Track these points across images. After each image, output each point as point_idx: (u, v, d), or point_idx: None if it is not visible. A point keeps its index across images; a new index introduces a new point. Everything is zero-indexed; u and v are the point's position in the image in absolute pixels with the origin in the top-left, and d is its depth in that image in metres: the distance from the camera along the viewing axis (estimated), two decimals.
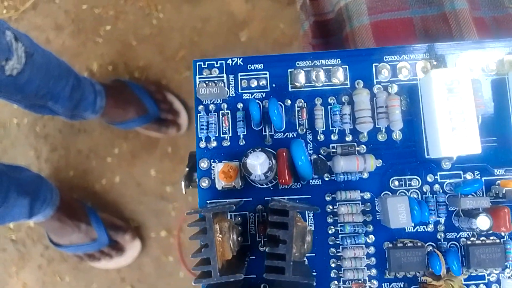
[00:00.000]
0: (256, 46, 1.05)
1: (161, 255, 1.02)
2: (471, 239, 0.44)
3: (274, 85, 0.47)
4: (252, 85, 0.47)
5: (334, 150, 0.46)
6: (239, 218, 0.46)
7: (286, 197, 0.45)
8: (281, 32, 1.05)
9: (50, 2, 1.08)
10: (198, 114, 0.47)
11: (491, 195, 0.44)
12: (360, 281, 0.45)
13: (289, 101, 0.47)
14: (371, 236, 0.45)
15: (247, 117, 0.46)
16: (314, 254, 0.45)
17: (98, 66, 1.06)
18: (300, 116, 0.46)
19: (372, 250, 0.45)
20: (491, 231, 0.44)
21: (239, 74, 0.47)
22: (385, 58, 0.46)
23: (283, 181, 0.43)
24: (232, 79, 0.47)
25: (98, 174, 1.04)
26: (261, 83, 0.47)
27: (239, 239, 0.40)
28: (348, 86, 0.47)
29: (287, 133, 0.46)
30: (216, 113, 0.47)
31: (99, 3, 1.07)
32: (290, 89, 0.47)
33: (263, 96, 0.47)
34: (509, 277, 0.44)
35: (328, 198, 0.46)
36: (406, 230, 0.45)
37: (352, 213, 0.45)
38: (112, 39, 1.07)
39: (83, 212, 0.91)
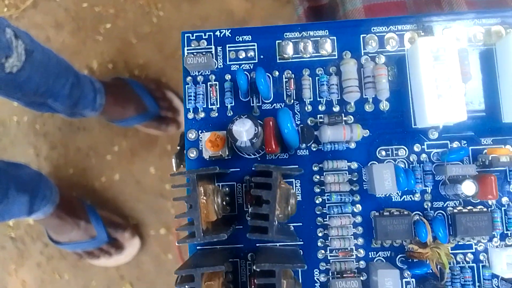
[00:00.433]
0: None
1: (160, 253, 1.01)
2: (458, 208, 0.44)
3: (262, 57, 0.47)
4: (240, 57, 0.47)
5: (321, 120, 0.46)
6: (227, 189, 0.46)
7: None
8: None
9: (50, 0, 1.09)
10: (186, 86, 0.47)
11: (478, 164, 0.44)
12: (346, 250, 0.44)
13: (277, 73, 0.47)
14: (358, 206, 0.45)
15: (235, 88, 0.47)
16: (301, 224, 0.45)
17: (98, 64, 1.07)
18: (287, 87, 0.47)
19: (359, 219, 0.45)
20: (478, 200, 0.44)
21: (227, 45, 0.47)
22: (373, 29, 0.47)
23: (270, 149, 0.43)
24: (220, 51, 0.47)
25: (97, 171, 1.04)
26: (249, 55, 0.47)
27: (224, 203, 0.41)
28: (336, 57, 0.47)
29: (274, 104, 0.47)
30: (204, 84, 0.47)
31: (99, 2, 1.08)
32: (278, 61, 0.47)
33: (251, 67, 0.47)
34: (496, 247, 0.44)
35: (315, 168, 0.46)
36: (393, 200, 0.45)
37: (339, 182, 0.45)
38: (112, 37, 1.07)
39: (82, 210, 0.91)
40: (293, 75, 0.47)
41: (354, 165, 0.46)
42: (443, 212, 0.45)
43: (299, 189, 0.46)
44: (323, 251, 0.45)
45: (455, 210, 0.44)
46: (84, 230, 0.89)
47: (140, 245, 0.99)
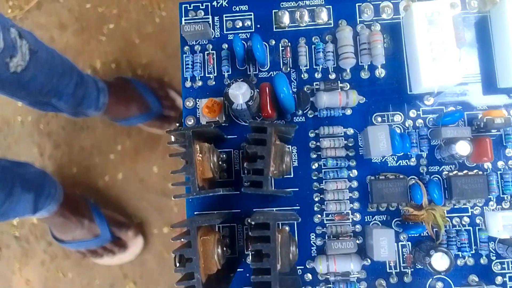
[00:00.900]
0: None
1: (164, 251, 1.01)
2: (454, 172, 0.44)
3: (258, 26, 0.48)
4: (237, 26, 0.48)
5: (317, 87, 0.46)
6: (224, 155, 0.46)
7: None
8: None
9: (54, 2, 1.10)
10: (184, 55, 0.48)
11: (473, 129, 0.44)
12: (342, 214, 0.45)
13: (273, 41, 0.48)
14: (354, 171, 0.45)
15: (232, 56, 0.47)
16: (297, 189, 0.46)
17: (102, 64, 1.07)
18: (284, 55, 0.47)
19: (355, 184, 0.45)
20: (474, 164, 0.44)
21: (224, 15, 0.48)
22: None
23: (266, 114, 0.44)
24: (217, 21, 0.48)
25: (101, 170, 1.04)
26: (245, 24, 0.48)
27: (220, 162, 0.41)
28: (332, 26, 0.47)
29: (271, 72, 0.47)
30: (201, 54, 0.48)
31: (102, 2, 1.09)
32: (274, 30, 0.48)
33: (248, 36, 0.48)
34: (493, 210, 0.44)
35: (311, 135, 0.46)
36: (389, 165, 0.45)
37: (335, 147, 0.45)
38: (115, 37, 1.08)
39: (86, 208, 0.91)
40: (289, 43, 0.47)
41: (350, 131, 0.46)
42: (438, 176, 0.45)
43: (296, 155, 0.46)
44: (319, 216, 0.45)
45: (451, 174, 0.44)
46: (88, 228, 0.89)
47: (144, 244, 0.99)
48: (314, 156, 0.46)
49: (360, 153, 0.46)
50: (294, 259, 0.39)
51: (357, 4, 0.47)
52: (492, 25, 0.46)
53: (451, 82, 0.42)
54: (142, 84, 0.96)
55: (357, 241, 0.44)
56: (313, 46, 0.47)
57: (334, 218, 0.45)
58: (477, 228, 0.44)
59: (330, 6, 0.47)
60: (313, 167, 0.46)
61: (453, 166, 0.45)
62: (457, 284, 0.43)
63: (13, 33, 0.55)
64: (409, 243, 0.44)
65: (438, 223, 0.42)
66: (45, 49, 0.66)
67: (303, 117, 0.46)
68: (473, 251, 0.44)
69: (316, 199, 0.45)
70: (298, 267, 0.45)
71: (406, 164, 0.45)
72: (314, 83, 0.47)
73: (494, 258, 0.44)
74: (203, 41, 0.48)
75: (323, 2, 0.47)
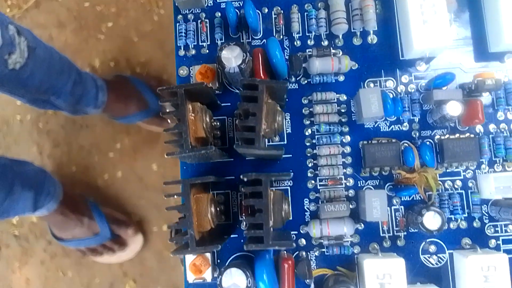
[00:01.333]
0: None
1: (163, 249, 1.01)
2: (446, 136, 0.45)
3: None
4: None
5: (310, 53, 0.46)
6: (218, 123, 0.46)
7: None
8: None
9: (52, 0, 1.10)
10: (177, 24, 0.48)
11: (465, 93, 0.44)
12: (336, 178, 0.45)
13: (266, 9, 0.48)
14: (347, 137, 0.45)
15: (225, 25, 0.47)
16: (291, 155, 0.46)
17: (100, 62, 1.07)
18: (277, 22, 0.47)
19: (348, 149, 0.45)
20: (466, 128, 0.45)
21: None
22: None
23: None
24: None
25: (100, 169, 1.04)
26: None
27: (213, 123, 0.41)
28: None
29: (264, 40, 0.47)
30: (194, 22, 0.48)
31: (101, 1, 1.08)
32: None
33: (241, 5, 0.48)
34: (485, 173, 0.44)
35: (305, 101, 0.46)
36: (381, 130, 0.45)
37: (328, 112, 0.45)
38: (114, 35, 1.08)
39: (85, 207, 0.91)
40: (282, 11, 0.48)
41: (343, 97, 0.46)
42: (431, 140, 0.45)
43: (289, 122, 0.46)
44: (313, 181, 0.45)
45: (443, 138, 0.44)
46: (88, 226, 0.89)
47: (143, 242, 0.98)
48: (307, 122, 0.46)
49: (353, 119, 0.46)
50: (287, 216, 0.39)
51: None
52: None
53: (442, 44, 0.42)
54: (141, 82, 0.95)
55: (351, 206, 0.44)
56: (305, 13, 0.47)
57: (327, 183, 0.45)
58: (469, 191, 0.44)
59: None
60: (306, 133, 0.46)
61: (445, 130, 0.45)
62: (450, 248, 0.44)
63: (12, 30, 0.55)
64: (402, 207, 0.44)
65: (430, 185, 0.43)
66: (44, 47, 0.66)
67: (296, 84, 0.47)
68: (466, 214, 0.44)
69: (310, 165, 0.45)
70: (292, 232, 0.45)
71: (398, 129, 0.45)
72: (307, 50, 0.47)
73: (487, 221, 0.44)
74: (196, 10, 0.48)
75: None
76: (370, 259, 0.40)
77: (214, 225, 0.39)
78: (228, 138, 0.47)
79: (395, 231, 0.44)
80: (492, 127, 0.45)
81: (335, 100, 0.46)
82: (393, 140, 0.45)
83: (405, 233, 0.44)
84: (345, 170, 0.45)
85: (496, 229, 0.44)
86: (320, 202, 0.45)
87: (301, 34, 0.47)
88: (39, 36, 0.67)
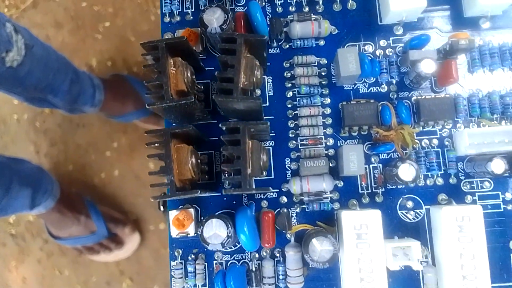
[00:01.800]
0: None
1: (160, 248, 1.01)
2: (423, 96, 0.46)
3: None
4: None
5: (291, 18, 0.48)
6: (201, 86, 0.47)
7: None
8: None
9: (49, 0, 1.11)
10: None
11: (440, 56, 0.46)
12: (316, 138, 0.46)
13: None
14: (327, 99, 0.47)
15: None
16: (272, 117, 0.47)
17: (97, 62, 1.08)
18: None
19: (328, 111, 0.47)
20: (442, 89, 0.46)
21: None
22: None
23: None
24: None
25: (97, 167, 1.04)
26: None
27: (194, 78, 0.42)
28: None
29: (246, 6, 0.49)
30: None
31: (98, 1, 1.10)
32: None
33: None
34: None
35: (286, 65, 0.48)
36: (360, 92, 0.47)
37: (308, 75, 0.46)
38: (111, 35, 1.09)
39: (82, 205, 0.91)
40: None
41: (324, 61, 0.47)
42: (408, 101, 0.46)
43: (271, 85, 0.47)
44: (294, 141, 0.46)
45: (419, 97, 0.46)
46: (84, 225, 0.89)
47: (140, 240, 0.98)
48: (289, 85, 0.47)
49: (333, 81, 0.47)
50: (265, 165, 0.40)
51: None
52: None
53: (417, 5, 0.44)
54: (138, 81, 0.96)
55: (330, 164, 0.45)
56: None
57: (308, 143, 0.46)
58: (445, 149, 0.45)
59: None
60: (288, 95, 0.47)
61: (422, 91, 0.46)
62: (427, 203, 0.45)
63: (9, 27, 0.56)
64: (380, 165, 0.45)
65: (406, 141, 0.44)
66: (41, 45, 0.67)
67: (278, 49, 0.48)
68: (442, 171, 0.45)
69: (291, 126, 0.47)
70: (273, 190, 0.46)
71: (377, 90, 0.47)
72: (289, 16, 0.48)
73: (463, 177, 0.45)
74: None
75: None
76: (348, 211, 0.41)
77: (196, 176, 0.40)
78: (212, 101, 0.48)
79: (373, 188, 0.45)
80: (468, 87, 0.46)
81: (316, 64, 0.47)
82: (371, 101, 0.46)
83: (383, 189, 0.45)
84: (325, 130, 0.46)
85: (472, 185, 0.45)
86: (300, 160, 0.46)
87: (282, 1, 0.49)
88: (36, 36, 0.68)
